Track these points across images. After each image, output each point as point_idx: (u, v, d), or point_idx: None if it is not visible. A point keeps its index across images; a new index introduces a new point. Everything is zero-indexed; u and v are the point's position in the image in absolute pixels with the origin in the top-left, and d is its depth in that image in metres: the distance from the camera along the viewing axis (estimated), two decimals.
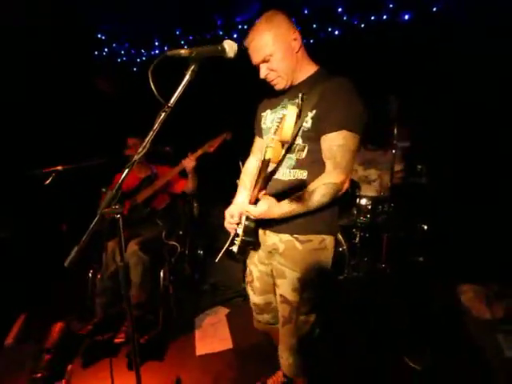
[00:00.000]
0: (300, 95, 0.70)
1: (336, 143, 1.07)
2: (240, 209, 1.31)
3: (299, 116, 0.68)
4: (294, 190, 1.12)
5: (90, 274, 2.20)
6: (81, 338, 2.00)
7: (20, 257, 2.88)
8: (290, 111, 0.66)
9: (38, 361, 1.71)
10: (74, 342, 1.96)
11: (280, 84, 1.17)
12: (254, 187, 1.03)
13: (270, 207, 1.06)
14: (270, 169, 0.91)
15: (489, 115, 2.82)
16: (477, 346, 1.37)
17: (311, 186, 1.09)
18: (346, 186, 1.12)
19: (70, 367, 1.76)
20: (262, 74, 1.16)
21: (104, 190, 1.96)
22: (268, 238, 1.26)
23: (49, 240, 2.78)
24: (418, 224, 2.69)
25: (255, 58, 1.14)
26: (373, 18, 3.16)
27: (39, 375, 1.62)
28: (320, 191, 1.07)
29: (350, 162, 1.09)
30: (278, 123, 0.68)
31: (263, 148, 1.30)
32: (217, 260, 1.39)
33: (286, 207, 1.08)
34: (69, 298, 2.49)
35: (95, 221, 1.02)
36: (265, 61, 1.13)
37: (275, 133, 0.68)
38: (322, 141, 1.10)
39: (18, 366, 1.89)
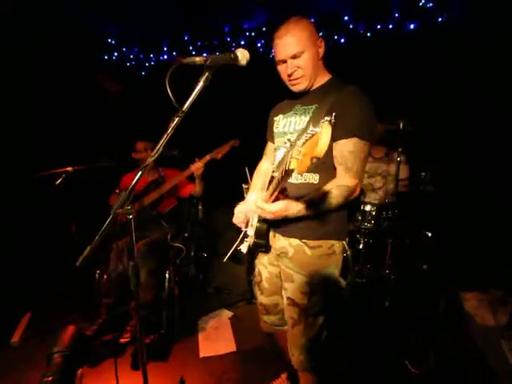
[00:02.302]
0: (334, 114, 0.74)
1: (347, 149, 1.10)
2: (252, 207, 1.33)
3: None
4: (306, 193, 1.14)
5: (97, 275, 2.23)
6: (91, 341, 2.00)
7: (27, 256, 2.92)
8: (325, 129, 0.68)
9: (49, 364, 1.71)
10: (85, 346, 1.95)
11: (302, 84, 1.19)
12: (272, 192, 1.05)
13: (287, 205, 1.07)
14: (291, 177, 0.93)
15: (495, 122, 2.83)
16: (481, 352, 1.37)
17: (325, 188, 1.11)
18: (358, 190, 1.15)
19: (80, 371, 1.77)
20: (290, 69, 1.16)
21: (118, 191, 1.99)
22: (277, 240, 1.28)
23: (56, 240, 2.82)
24: (422, 231, 2.69)
25: (287, 51, 1.14)
26: (379, 26, 3.21)
27: (50, 379, 1.63)
28: (334, 193, 1.09)
29: (361, 168, 1.12)
30: (308, 138, 0.71)
31: (274, 153, 1.34)
32: (225, 259, 1.41)
33: (301, 206, 1.09)
34: (75, 297, 2.52)
35: (108, 221, 1.05)
36: (295, 56, 1.14)
37: (303, 145, 0.71)
38: (333, 146, 1.13)
39: (24, 364, 1.92)
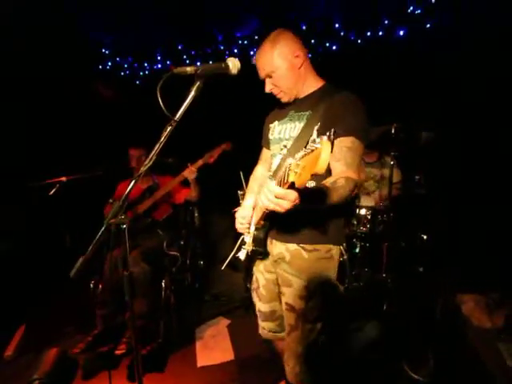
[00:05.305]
0: (332, 130, 0.74)
1: (346, 145, 1.08)
2: (262, 198, 1.32)
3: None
4: None
5: (92, 285, 2.20)
6: (76, 363, 1.95)
7: (21, 267, 2.88)
8: (325, 146, 0.68)
9: None
10: (69, 369, 1.88)
11: (284, 98, 1.26)
12: None
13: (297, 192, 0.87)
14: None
15: (486, 124, 2.87)
16: (478, 355, 1.37)
17: (330, 179, 1.04)
18: (357, 189, 1.14)
19: None
20: (267, 89, 1.25)
21: (111, 201, 1.98)
22: (274, 246, 1.28)
23: (50, 251, 2.78)
24: (417, 234, 2.70)
25: (260, 74, 1.24)
26: (369, 33, 3.27)
27: None
28: (341, 182, 1.01)
29: (358, 166, 1.10)
30: (307, 153, 0.70)
31: (271, 160, 1.35)
32: (223, 267, 1.41)
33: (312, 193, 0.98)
34: (70, 309, 2.48)
35: (101, 231, 1.04)
36: (269, 76, 1.22)
37: (301, 159, 0.70)
38: None
39: (18, 378, 1.88)
